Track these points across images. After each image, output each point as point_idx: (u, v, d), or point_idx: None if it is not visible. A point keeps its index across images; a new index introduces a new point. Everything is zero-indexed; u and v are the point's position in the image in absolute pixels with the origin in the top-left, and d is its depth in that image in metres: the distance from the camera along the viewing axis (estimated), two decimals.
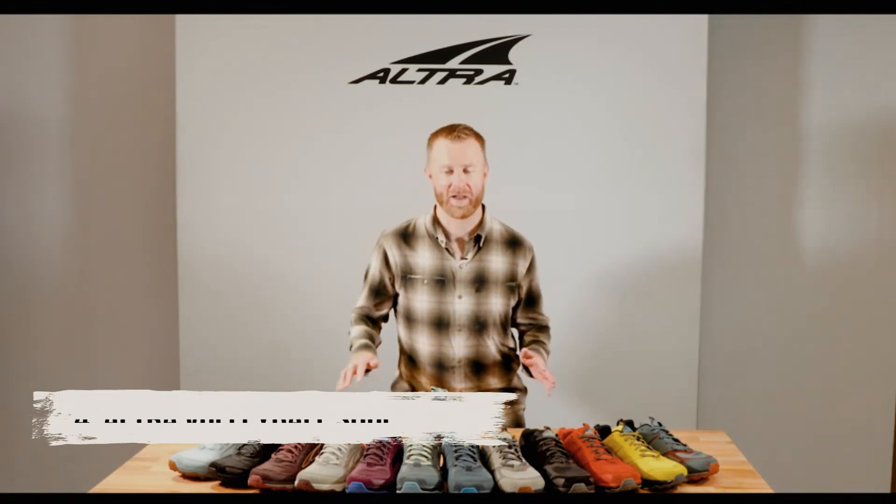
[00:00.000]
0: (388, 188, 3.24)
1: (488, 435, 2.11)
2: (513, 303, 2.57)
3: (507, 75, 3.23)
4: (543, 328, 2.63)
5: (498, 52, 3.22)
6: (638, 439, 2.09)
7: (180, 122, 3.27)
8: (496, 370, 2.56)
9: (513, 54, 3.22)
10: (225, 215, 3.30)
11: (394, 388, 2.65)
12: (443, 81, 3.23)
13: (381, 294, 2.58)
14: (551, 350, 2.65)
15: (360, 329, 2.56)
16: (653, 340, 3.29)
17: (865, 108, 3.49)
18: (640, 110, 3.23)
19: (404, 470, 1.91)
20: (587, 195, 3.26)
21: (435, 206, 2.55)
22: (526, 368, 2.50)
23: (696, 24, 3.20)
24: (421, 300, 2.51)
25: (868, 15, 3.41)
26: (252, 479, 1.91)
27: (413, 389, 2.57)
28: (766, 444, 3.48)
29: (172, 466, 2.03)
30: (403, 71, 3.24)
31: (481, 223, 2.53)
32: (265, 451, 2.07)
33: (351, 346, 2.54)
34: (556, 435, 2.12)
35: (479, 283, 2.51)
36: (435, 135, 2.48)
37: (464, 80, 3.23)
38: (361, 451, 2.06)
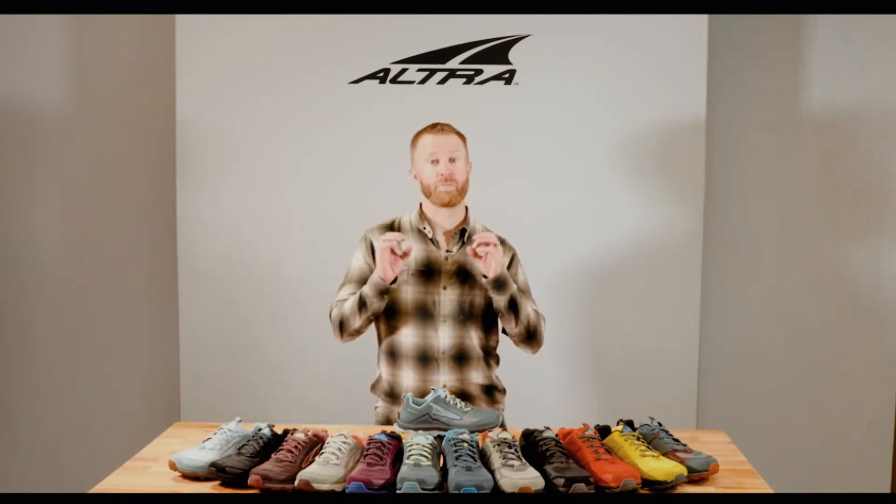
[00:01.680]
0: (387, 188, 3.24)
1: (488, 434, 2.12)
2: None
3: (507, 75, 3.23)
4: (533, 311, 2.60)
5: (498, 52, 3.22)
6: (638, 439, 2.09)
7: (180, 122, 3.27)
8: (478, 364, 2.57)
9: (513, 54, 3.22)
10: (225, 215, 3.30)
11: (373, 389, 2.65)
12: (443, 81, 3.23)
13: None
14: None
15: (351, 298, 2.53)
16: (653, 340, 3.29)
17: (865, 107, 3.49)
18: (640, 110, 3.23)
19: (404, 470, 1.91)
20: (587, 195, 3.26)
21: (421, 203, 2.60)
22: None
23: (696, 24, 3.20)
24: (406, 290, 2.53)
25: (868, 15, 3.42)
26: (252, 479, 1.91)
27: (392, 390, 2.57)
28: (766, 444, 3.48)
29: (172, 466, 2.03)
30: (403, 71, 3.24)
31: (465, 219, 2.59)
32: (265, 451, 2.07)
33: (358, 304, 2.48)
34: (556, 435, 2.12)
35: (465, 274, 2.54)
36: (418, 133, 2.58)
37: (464, 80, 3.23)
38: (361, 451, 2.06)
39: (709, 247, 3.46)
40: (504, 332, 2.62)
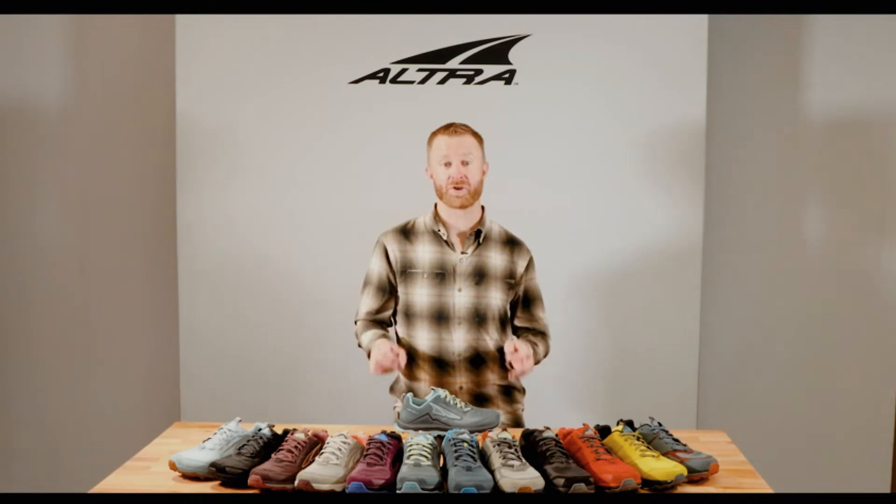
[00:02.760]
0: (387, 188, 3.24)
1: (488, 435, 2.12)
2: (510, 298, 2.57)
3: (507, 75, 3.23)
4: (540, 334, 2.62)
5: (498, 52, 3.22)
6: (638, 439, 2.09)
7: (180, 123, 3.27)
8: (495, 366, 2.56)
9: (513, 54, 3.22)
10: (225, 215, 3.30)
11: (392, 390, 2.65)
12: (443, 81, 3.23)
13: (386, 292, 2.58)
14: (550, 353, 2.64)
15: (371, 331, 2.54)
16: (653, 340, 3.29)
17: (865, 107, 3.49)
18: (640, 110, 3.23)
19: (404, 470, 1.91)
20: (587, 195, 3.26)
21: (436, 204, 2.58)
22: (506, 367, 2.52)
23: (696, 24, 3.20)
24: (421, 294, 2.52)
25: (868, 15, 3.42)
26: (252, 479, 1.91)
27: (411, 390, 2.57)
28: (766, 444, 3.48)
29: (172, 466, 2.03)
30: (403, 71, 3.24)
31: (481, 220, 2.56)
32: (265, 451, 2.07)
33: (369, 353, 2.50)
34: (556, 435, 2.12)
35: (479, 276, 2.52)
36: (434, 133, 2.55)
37: (464, 80, 3.23)
38: (361, 451, 2.06)
39: (709, 247, 3.46)
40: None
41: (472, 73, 3.23)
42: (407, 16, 3.20)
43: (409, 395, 2.28)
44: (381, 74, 3.24)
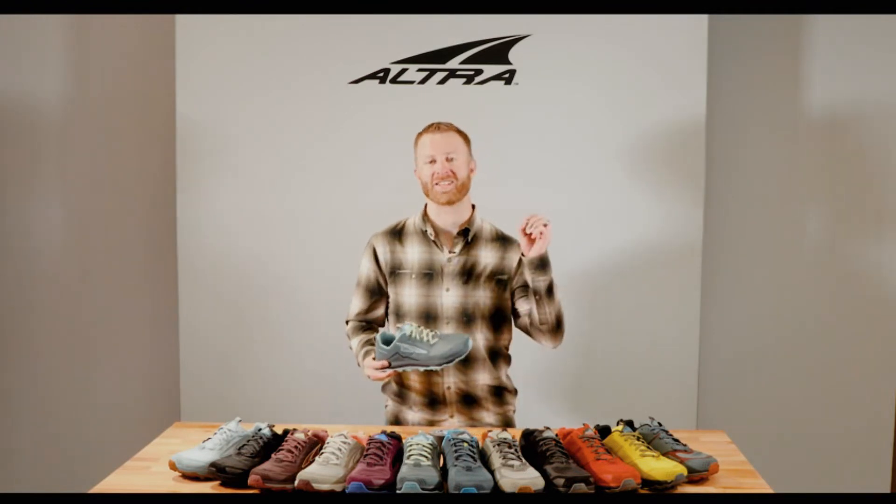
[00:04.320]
0: (387, 188, 3.24)
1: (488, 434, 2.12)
2: (503, 295, 2.56)
3: (507, 75, 3.23)
4: None
5: (498, 52, 3.22)
6: (638, 439, 2.09)
7: (180, 123, 3.27)
8: (484, 366, 2.55)
9: (513, 54, 3.22)
10: (225, 215, 3.30)
11: (384, 389, 2.65)
12: (443, 81, 3.23)
13: (376, 294, 2.59)
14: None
15: (360, 338, 2.56)
16: (653, 340, 3.29)
17: (865, 107, 3.49)
18: (640, 110, 3.23)
19: (404, 470, 1.91)
20: (587, 195, 3.26)
21: (426, 205, 2.59)
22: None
23: (696, 24, 3.20)
24: (409, 294, 2.53)
25: (868, 15, 3.42)
26: (252, 479, 1.91)
27: (401, 391, 2.58)
28: (766, 444, 3.48)
29: (172, 466, 2.03)
30: (403, 71, 3.24)
31: (470, 219, 2.56)
32: (265, 451, 2.07)
33: (358, 362, 2.54)
34: (556, 435, 2.12)
35: (467, 276, 2.52)
36: (419, 133, 2.57)
37: (464, 80, 3.23)
38: (361, 451, 2.06)
39: (709, 247, 3.46)
40: (529, 325, 2.56)
41: (472, 73, 3.23)
42: (407, 16, 3.20)
43: (378, 335, 2.36)
44: (381, 74, 3.24)
